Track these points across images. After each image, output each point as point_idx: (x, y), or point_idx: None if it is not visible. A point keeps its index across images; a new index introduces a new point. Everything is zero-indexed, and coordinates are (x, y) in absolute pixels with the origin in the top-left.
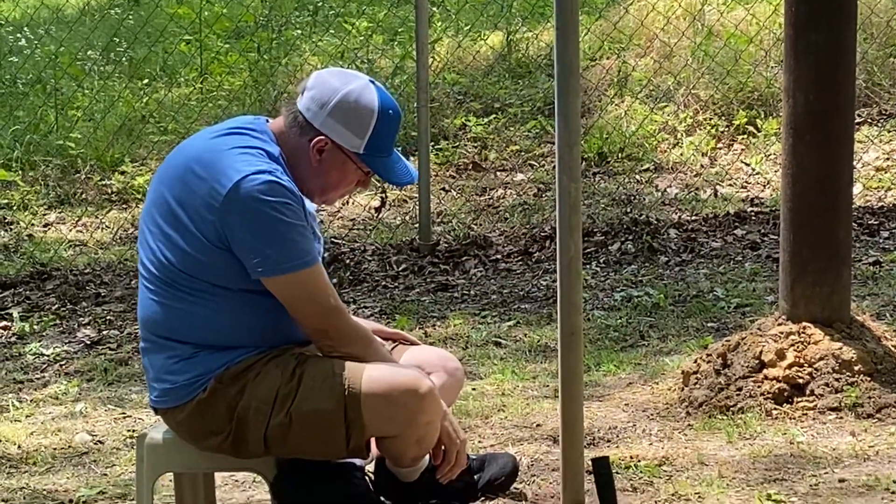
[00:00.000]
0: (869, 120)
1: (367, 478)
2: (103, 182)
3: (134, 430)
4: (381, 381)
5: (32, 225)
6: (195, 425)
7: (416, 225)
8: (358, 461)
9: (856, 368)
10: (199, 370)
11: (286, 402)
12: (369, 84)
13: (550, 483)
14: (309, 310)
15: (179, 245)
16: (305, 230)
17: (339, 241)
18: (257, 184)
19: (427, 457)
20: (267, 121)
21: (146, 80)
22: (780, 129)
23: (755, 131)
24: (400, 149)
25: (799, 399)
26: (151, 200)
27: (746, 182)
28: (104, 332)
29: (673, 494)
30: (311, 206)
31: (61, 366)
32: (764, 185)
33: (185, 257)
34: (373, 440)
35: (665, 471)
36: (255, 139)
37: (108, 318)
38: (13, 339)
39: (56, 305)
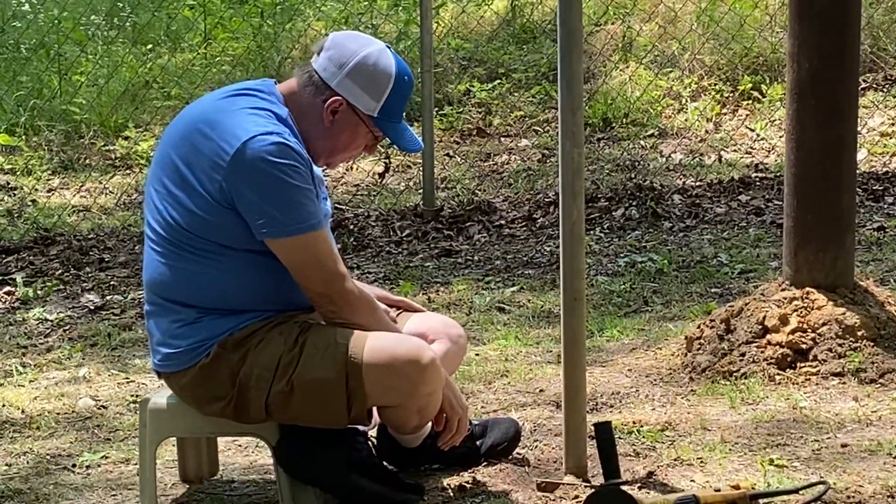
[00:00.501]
0: (874, 85)
1: (369, 443)
2: (107, 147)
3: (137, 395)
4: (384, 351)
5: (36, 190)
6: (198, 390)
7: (420, 190)
8: (361, 427)
9: (859, 334)
10: (203, 335)
11: (288, 370)
12: (386, 49)
13: (553, 448)
14: (313, 274)
15: (185, 205)
16: (312, 193)
17: (343, 207)
18: (265, 144)
19: (429, 424)
20: (275, 83)
21: (150, 46)
22: (784, 94)
23: (760, 97)
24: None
25: (802, 364)
26: (157, 161)
27: (751, 148)
28: (108, 298)
29: (675, 459)
30: (318, 170)
31: (65, 331)
32: (768, 151)
33: (191, 217)
34: (374, 407)
35: (668, 436)
36: (263, 100)
37: (111, 283)
38: (17, 304)
39: (59, 271)
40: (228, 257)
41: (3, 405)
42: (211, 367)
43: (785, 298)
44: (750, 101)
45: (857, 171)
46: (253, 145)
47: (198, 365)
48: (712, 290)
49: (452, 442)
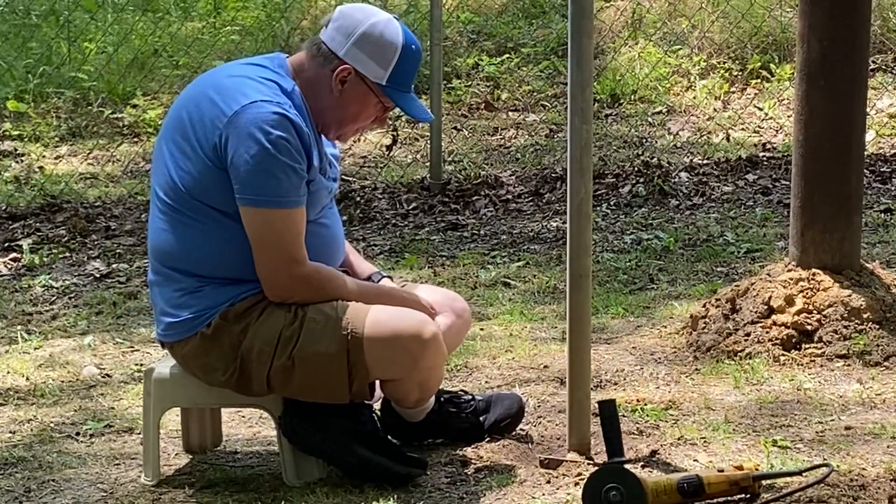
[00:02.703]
0: (883, 66)
1: (374, 416)
2: (115, 115)
3: (142, 365)
4: (385, 325)
5: (44, 157)
6: (200, 360)
7: (427, 164)
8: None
9: (864, 316)
10: (204, 304)
11: (288, 344)
12: (393, 19)
13: (556, 425)
14: (267, 252)
15: (187, 167)
16: (294, 171)
17: (350, 179)
18: (263, 112)
19: (432, 399)
20: (287, 57)
21: (159, 14)
22: (793, 74)
23: (769, 76)
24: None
25: (807, 345)
26: (166, 126)
27: (759, 127)
28: (114, 266)
29: (679, 438)
30: (335, 150)
31: (70, 298)
32: (777, 131)
33: (191, 179)
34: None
35: (671, 415)
36: (271, 71)
37: (117, 251)
38: (22, 270)
39: (66, 238)
40: (226, 225)
41: (8, 372)
42: (212, 338)
43: (791, 279)
44: (759, 81)
45: (865, 153)
46: (251, 109)
47: (198, 334)
48: (718, 268)
49: None
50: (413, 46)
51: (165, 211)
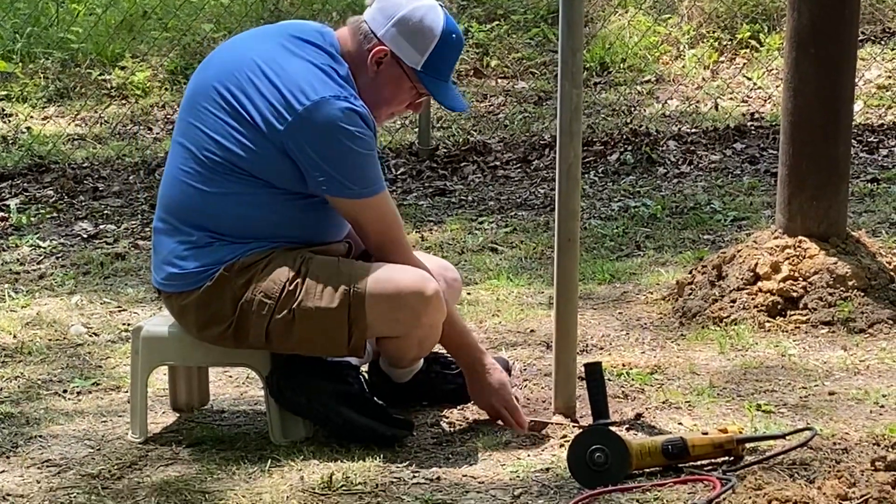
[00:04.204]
0: (872, 37)
1: (361, 377)
2: (103, 77)
3: (129, 324)
4: (387, 282)
5: (31, 117)
6: (198, 313)
7: (416, 129)
8: (354, 360)
9: (850, 283)
10: (211, 259)
11: (290, 298)
12: (437, 6)
13: (542, 388)
14: (370, 234)
15: (238, 137)
16: (374, 158)
17: None
18: (334, 110)
19: (421, 360)
20: (334, 31)
21: None
22: (782, 43)
23: (758, 46)
24: None
25: (792, 312)
26: (204, 84)
27: (747, 96)
28: (101, 227)
29: (664, 402)
30: None
31: (58, 258)
32: (765, 100)
33: (244, 149)
34: (370, 340)
35: (657, 379)
36: (325, 53)
37: (105, 212)
38: (10, 230)
39: (53, 198)
40: (263, 192)
41: None
42: (214, 292)
43: (777, 246)
44: (748, 50)
45: (853, 123)
46: (323, 108)
47: (201, 288)
48: (705, 236)
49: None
50: (454, 35)
51: (198, 170)
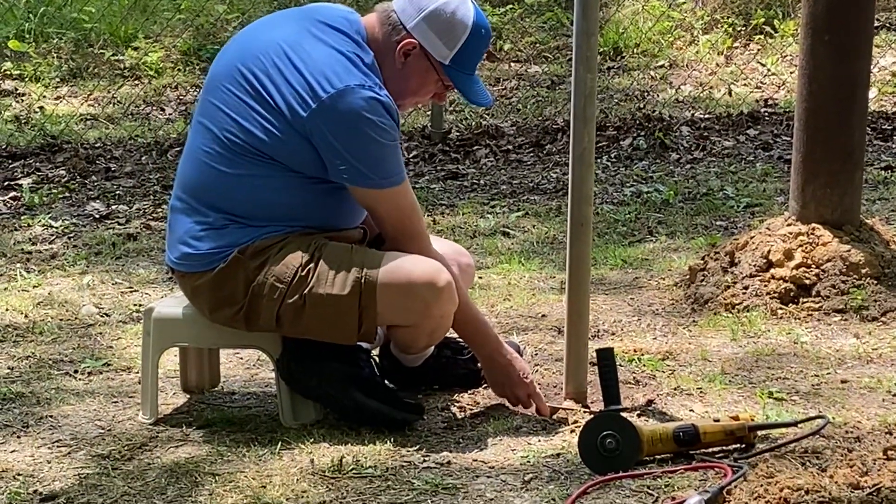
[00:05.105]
0: (887, 24)
1: (371, 361)
2: (116, 57)
3: (140, 305)
4: (399, 271)
5: (44, 97)
6: (211, 294)
7: (429, 113)
8: (365, 344)
9: (863, 271)
10: (226, 241)
11: (302, 283)
12: (468, 0)
13: (553, 373)
14: (387, 225)
15: (261, 121)
16: (397, 148)
17: None
18: (358, 99)
19: (432, 346)
20: (360, 18)
21: None
22: (797, 30)
23: (772, 32)
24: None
25: (805, 300)
26: (228, 66)
27: (761, 82)
28: (113, 207)
29: (675, 388)
30: None
31: (69, 238)
32: (779, 87)
33: (266, 133)
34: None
35: (668, 365)
36: (351, 41)
37: (117, 192)
38: (22, 209)
39: (65, 178)
40: (284, 177)
41: (7, 309)
42: (227, 274)
43: (790, 233)
44: (762, 36)
45: (868, 110)
46: (347, 97)
47: (215, 270)
48: (717, 222)
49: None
50: (483, 30)
51: (219, 151)
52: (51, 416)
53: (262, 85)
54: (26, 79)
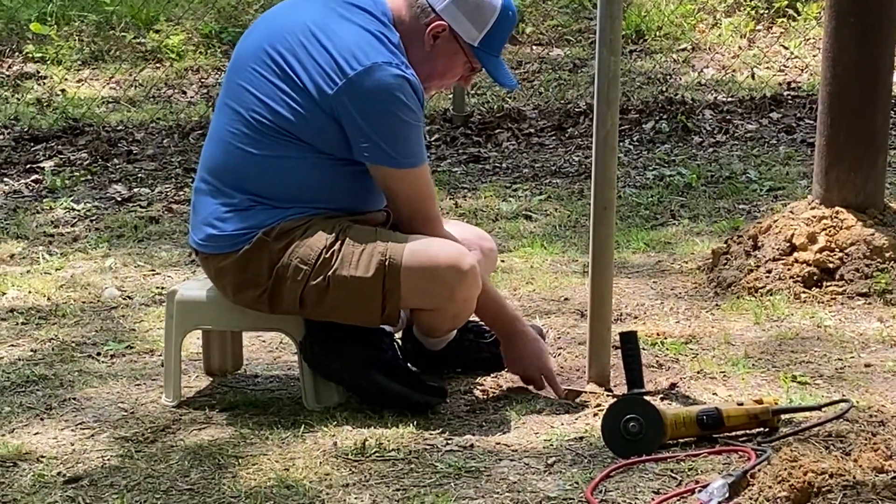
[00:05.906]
0: None
1: (395, 344)
2: (137, 40)
3: (163, 288)
4: (423, 255)
5: (66, 80)
6: (235, 276)
7: (451, 96)
8: (388, 327)
9: (887, 255)
10: (251, 223)
11: (326, 265)
12: None
13: (576, 356)
14: (402, 206)
15: (288, 101)
16: (420, 130)
17: None
18: (386, 76)
19: (455, 330)
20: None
21: None
22: (819, 13)
23: (795, 14)
24: None
25: (828, 283)
26: (251, 51)
27: (784, 66)
28: (135, 190)
29: (698, 372)
30: None
31: (91, 221)
32: (802, 70)
33: (293, 113)
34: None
35: (691, 349)
36: (378, 21)
37: (139, 175)
38: (44, 192)
39: (87, 161)
40: (315, 158)
41: (29, 292)
42: (251, 255)
43: (814, 217)
44: (785, 19)
45: (892, 94)
46: (374, 74)
47: (240, 252)
48: (740, 206)
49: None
50: (510, 12)
51: (245, 132)
52: (74, 399)
53: (289, 65)
54: (48, 62)
